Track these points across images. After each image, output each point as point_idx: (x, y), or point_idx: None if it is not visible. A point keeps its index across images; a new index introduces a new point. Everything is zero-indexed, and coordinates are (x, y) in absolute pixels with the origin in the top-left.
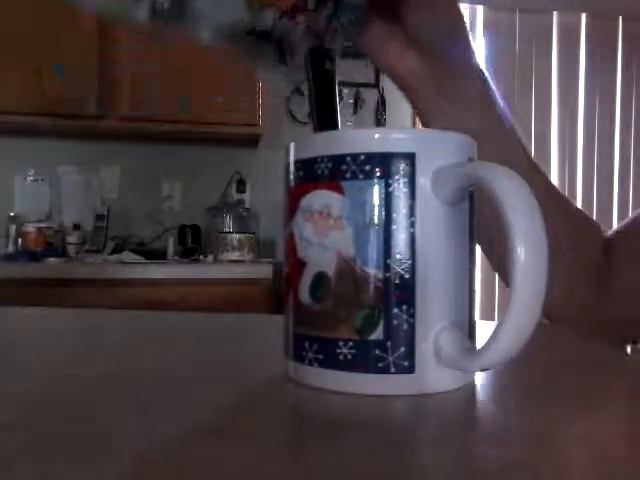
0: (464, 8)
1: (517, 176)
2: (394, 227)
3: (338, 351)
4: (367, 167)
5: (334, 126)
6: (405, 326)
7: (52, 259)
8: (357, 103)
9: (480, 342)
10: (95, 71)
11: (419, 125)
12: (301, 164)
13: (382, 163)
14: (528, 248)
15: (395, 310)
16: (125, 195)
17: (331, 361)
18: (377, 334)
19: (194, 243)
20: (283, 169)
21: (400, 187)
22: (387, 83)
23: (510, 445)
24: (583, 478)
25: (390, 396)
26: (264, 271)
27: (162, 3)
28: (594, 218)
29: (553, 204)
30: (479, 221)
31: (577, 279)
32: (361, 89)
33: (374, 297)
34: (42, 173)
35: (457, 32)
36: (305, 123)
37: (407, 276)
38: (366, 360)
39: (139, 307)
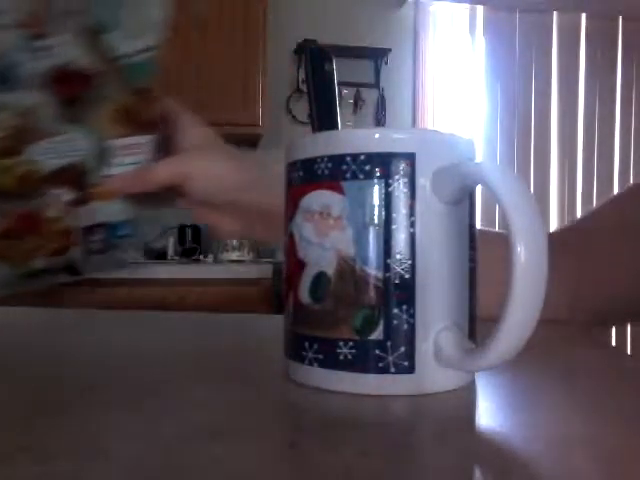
0: (464, 8)
1: (517, 176)
2: (394, 227)
3: (338, 351)
4: (367, 167)
5: (334, 126)
6: (405, 326)
7: None
8: (357, 103)
9: (480, 342)
10: None
11: (419, 125)
12: (301, 164)
13: (382, 163)
14: (528, 247)
15: (395, 310)
16: None
17: (331, 361)
18: (377, 334)
19: (194, 243)
20: (283, 169)
21: (400, 187)
22: (387, 83)
23: (510, 445)
24: (583, 478)
25: (390, 396)
26: (264, 271)
27: None
28: None
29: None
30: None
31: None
32: (361, 89)
33: (374, 297)
34: None
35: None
36: (305, 123)
37: (407, 276)
38: (366, 360)
39: (139, 307)
